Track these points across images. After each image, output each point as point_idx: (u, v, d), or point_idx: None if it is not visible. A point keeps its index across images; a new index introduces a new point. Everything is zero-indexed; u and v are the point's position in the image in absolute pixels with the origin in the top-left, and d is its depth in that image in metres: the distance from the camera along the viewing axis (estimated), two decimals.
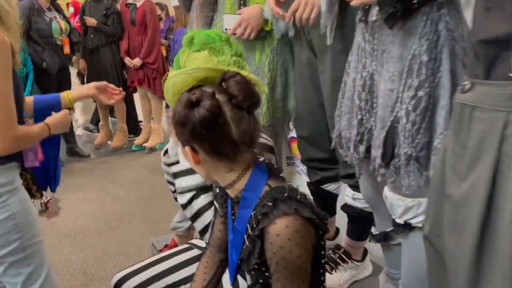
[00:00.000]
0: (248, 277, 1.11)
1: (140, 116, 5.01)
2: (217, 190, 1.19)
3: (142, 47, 4.39)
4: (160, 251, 2.09)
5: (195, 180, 1.31)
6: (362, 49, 1.21)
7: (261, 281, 1.03)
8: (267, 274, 0.99)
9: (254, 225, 0.97)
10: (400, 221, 1.25)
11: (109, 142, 4.86)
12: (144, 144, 4.72)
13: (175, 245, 2.10)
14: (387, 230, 1.38)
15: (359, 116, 1.17)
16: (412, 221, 1.23)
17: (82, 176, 4.03)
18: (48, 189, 1.61)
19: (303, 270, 0.94)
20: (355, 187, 1.77)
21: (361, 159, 1.25)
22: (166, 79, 1.00)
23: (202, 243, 1.58)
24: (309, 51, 1.82)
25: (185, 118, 0.93)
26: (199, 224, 1.35)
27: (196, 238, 1.63)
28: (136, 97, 4.87)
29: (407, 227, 1.25)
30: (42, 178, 1.52)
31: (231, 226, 1.10)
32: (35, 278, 1.41)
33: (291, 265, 0.92)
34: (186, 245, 1.60)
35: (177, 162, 1.56)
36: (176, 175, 1.33)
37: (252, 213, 0.98)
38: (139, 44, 4.42)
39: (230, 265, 1.14)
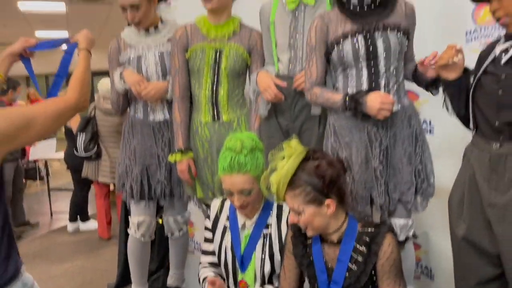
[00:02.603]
0: None
1: None
2: (292, 246, 1.46)
3: None
4: None
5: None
6: None
7: None
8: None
9: (363, 249, 1.33)
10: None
11: None
12: None
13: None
14: None
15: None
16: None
17: None
18: None
19: None
20: None
21: None
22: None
23: None
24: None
25: (336, 175, 1.34)
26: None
27: None
28: None
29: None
30: None
31: (322, 266, 1.39)
32: None
33: (399, 263, 1.34)
34: None
35: None
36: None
37: (355, 244, 1.35)
38: None
39: None
